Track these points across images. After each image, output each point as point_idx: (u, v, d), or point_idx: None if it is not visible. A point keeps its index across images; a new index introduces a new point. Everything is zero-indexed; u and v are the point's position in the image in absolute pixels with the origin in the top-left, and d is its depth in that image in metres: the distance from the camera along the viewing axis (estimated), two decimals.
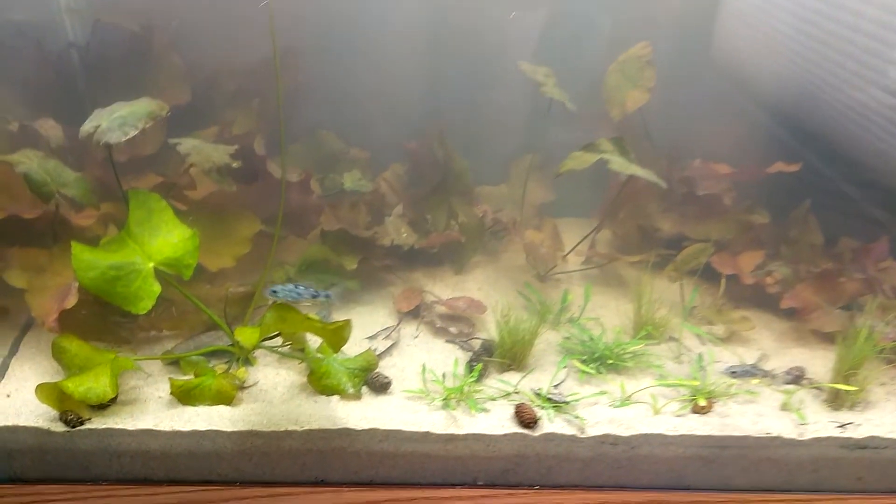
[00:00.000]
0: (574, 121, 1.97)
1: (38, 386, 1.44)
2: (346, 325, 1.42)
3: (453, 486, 1.57)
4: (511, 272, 2.00)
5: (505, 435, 1.51)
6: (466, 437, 1.51)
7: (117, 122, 1.42)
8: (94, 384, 1.46)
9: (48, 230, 1.61)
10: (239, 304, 1.73)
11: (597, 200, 2.15)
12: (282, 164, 1.59)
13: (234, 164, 1.63)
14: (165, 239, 1.55)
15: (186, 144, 1.62)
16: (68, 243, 1.52)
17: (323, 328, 1.40)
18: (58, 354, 1.53)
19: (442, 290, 1.91)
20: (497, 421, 1.53)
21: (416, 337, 1.76)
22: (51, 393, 1.46)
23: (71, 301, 1.50)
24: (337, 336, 1.43)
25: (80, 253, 1.47)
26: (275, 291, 1.50)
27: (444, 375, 1.63)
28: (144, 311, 1.51)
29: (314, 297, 1.52)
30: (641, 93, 1.87)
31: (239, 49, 2.03)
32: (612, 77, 1.91)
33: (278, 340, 1.68)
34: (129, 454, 1.51)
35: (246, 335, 1.41)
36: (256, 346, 1.69)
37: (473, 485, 1.57)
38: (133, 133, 1.40)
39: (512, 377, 1.64)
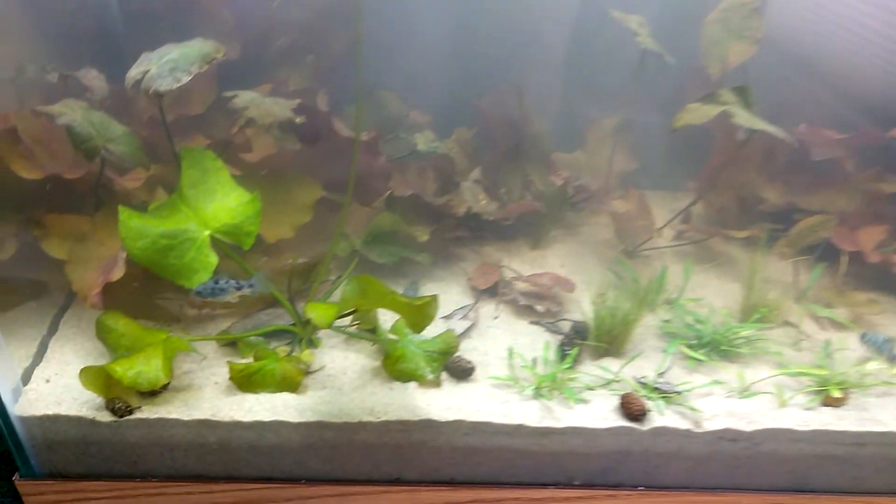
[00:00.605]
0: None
1: (82, 370, 1.27)
2: (433, 301, 1.23)
3: (545, 485, 1.39)
4: (595, 247, 1.80)
5: (609, 429, 1.32)
6: (565, 430, 1.32)
7: (168, 66, 1.23)
8: (145, 368, 1.29)
9: (91, 194, 1.43)
10: (299, 279, 1.55)
11: (679, 171, 1.95)
12: (357, 119, 1.40)
13: (298, 120, 1.44)
14: (222, 203, 1.37)
15: (244, 98, 1.44)
16: (113, 209, 1.34)
17: (408, 304, 1.21)
18: (102, 334, 1.36)
19: (519, 266, 1.72)
20: (599, 413, 1.34)
21: (497, 317, 1.57)
22: (96, 378, 1.28)
23: (117, 273, 1.32)
24: (422, 313, 1.25)
25: (129, 219, 1.29)
26: (199, 293, 1.35)
27: (534, 361, 1.44)
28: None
29: (238, 289, 1.37)
30: (747, 45, 1.66)
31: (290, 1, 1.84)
32: (711, 29, 1.69)
33: (345, 319, 1.50)
34: (183, 447, 1.34)
35: (320, 312, 1.22)
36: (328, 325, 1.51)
37: (569, 485, 1.39)
38: (186, 79, 1.22)
39: (609, 364, 1.45)
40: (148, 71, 1.23)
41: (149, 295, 1.50)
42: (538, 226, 1.77)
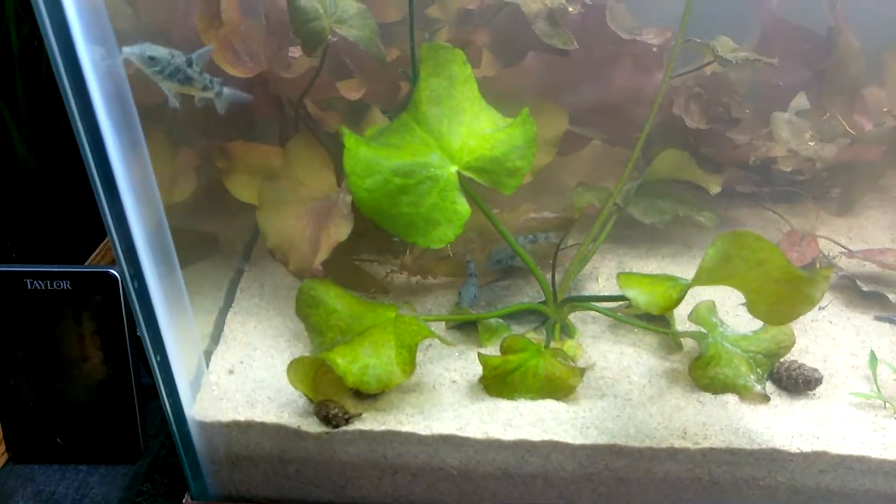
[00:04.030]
0: None
1: (291, 363, 0.95)
2: (825, 277, 0.86)
3: None
4: None
5: None
6: None
7: None
8: (374, 360, 0.96)
9: (284, 118, 1.09)
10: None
11: None
12: (686, 11, 1.01)
13: (572, 9, 1.09)
14: (471, 127, 1.02)
15: None
16: (308, 137, 1.02)
17: (798, 279, 0.83)
18: (306, 309, 1.03)
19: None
20: None
21: (824, 308, 1.19)
22: (306, 373, 0.96)
23: (342, 229, 0.98)
24: (802, 297, 0.87)
25: (356, 147, 0.95)
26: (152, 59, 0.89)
27: None
28: (441, 246, 1.00)
29: (206, 88, 0.97)
30: None
31: None
32: None
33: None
34: (412, 471, 1.02)
35: (646, 290, 0.87)
36: (579, 307, 1.16)
37: None
38: None
39: None
40: None
41: (346, 254, 1.16)
42: (850, 185, 1.36)
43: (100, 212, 0.80)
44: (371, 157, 0.96)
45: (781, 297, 0.89)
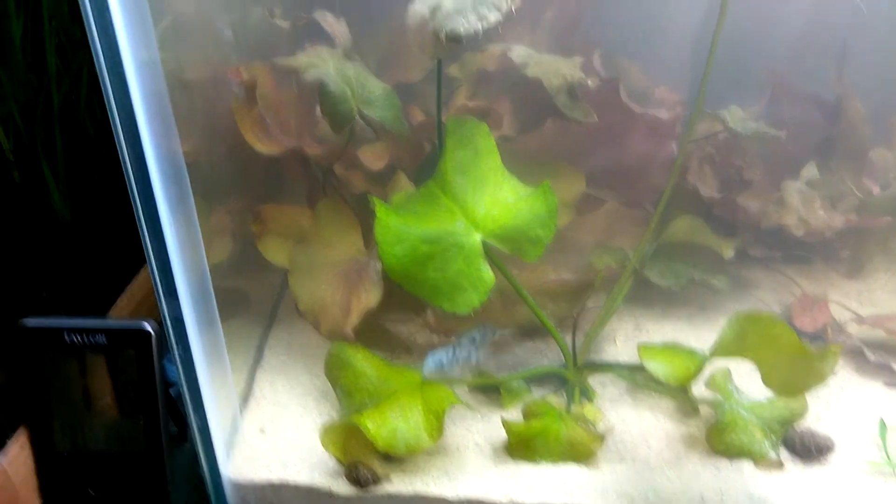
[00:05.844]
0: None
1: (325, 430, 0.99)
2: (836, 354, 0.91)
3: None
4: None
5: None
6: None
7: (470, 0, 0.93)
8: (403, 424, 1.00)
9: (311, 179, 1.14)
10: (564, 302, 1.25)
11: None
12: (703, 81, 1.07)
13: (591, 83, 1.15)
14: (495, 197, 1.08)
15: (520, 52, 1.14)
16: (336, 199, 1.07)
17: (807, 356, 0.88)
18: (336, 371, 1.07)
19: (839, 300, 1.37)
20: None
21: (836, 374, 1.23)
22: (338, 437, 1.00)
23: (373, 296, 1.03)
24: (813, 372, 0.92)
25: (386, 217, 1.00)
26: None
27: None
28: (467, 311, 1.04)
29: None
30: None
31: None
32: None
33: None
34: None
35: (665, 361, 0.91)
36: (598, 371, 1.21)
37: None
38: (495, 19, 0.92)
39: None
40: (439, 5, 0.93)
41: (371, 314, 1.21)
42: (859, 247, 1.41)
43: (153, 286, 0.85)
44: (400, 226, 1.01)
45: (793, 372, 0.94)
